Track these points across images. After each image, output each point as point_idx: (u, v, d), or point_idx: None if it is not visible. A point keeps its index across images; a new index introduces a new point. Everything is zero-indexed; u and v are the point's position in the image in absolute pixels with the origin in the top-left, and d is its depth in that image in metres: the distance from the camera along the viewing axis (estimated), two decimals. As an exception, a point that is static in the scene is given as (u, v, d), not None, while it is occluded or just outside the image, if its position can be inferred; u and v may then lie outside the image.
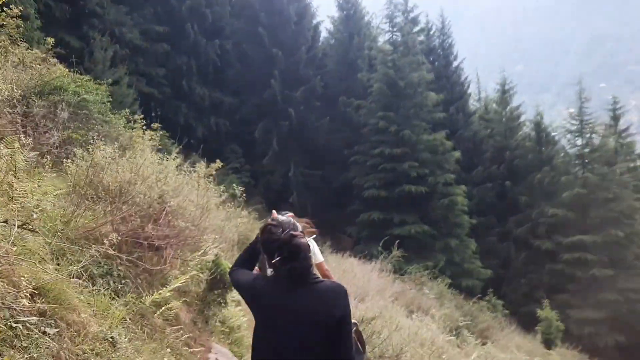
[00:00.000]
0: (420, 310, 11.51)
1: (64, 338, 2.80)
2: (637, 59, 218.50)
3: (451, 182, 22.20)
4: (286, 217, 2.63)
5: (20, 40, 7.01)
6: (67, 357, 2.73)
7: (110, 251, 3.68)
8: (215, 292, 5.35)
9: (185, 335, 4.45)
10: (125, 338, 3.36)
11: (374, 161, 22.22)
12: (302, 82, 24.13)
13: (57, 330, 2.77)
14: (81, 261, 3.43)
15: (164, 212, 4.77)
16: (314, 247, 4.44)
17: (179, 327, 4.53)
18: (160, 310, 4.26)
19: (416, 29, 27.42)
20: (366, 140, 23.00)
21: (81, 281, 3.52)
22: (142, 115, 7.18)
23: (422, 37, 28.46)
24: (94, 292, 3.59)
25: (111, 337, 3.23)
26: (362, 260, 14.40)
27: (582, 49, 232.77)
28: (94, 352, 2.96)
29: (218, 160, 6.36)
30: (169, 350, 3.97)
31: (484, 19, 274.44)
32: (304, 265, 2.39)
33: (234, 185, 9.58)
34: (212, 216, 5.88)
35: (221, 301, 5.39)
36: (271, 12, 24.57)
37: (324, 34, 27.70)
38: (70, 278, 3.28)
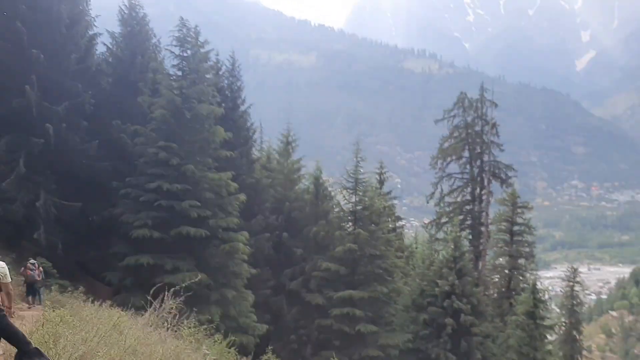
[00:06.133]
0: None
1: None
2: (382, 141, 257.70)
3: (234, 226, 20.35)
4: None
5: None
6: None
7: None
8: None
9: None
10: None
11: (149, 197, 19.07)
12: (67, 95, 20.01)
13: None
14: None
15: None
16: (5, 269, 6.96)
17: None
18: None
19: (206, 65, 25.76)
20: (142, 172, 19.82)
21: None
22: None
23: (210, 75, 26.95)
24: None
25: None
26: (128, 313, 11.36)
27: (342, 127, 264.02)
28: None
29: None
30: None
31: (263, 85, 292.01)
32: None
33: None
34: None
35: None
36: (35, 7, 20.19)
37: (102, 49, 24.10)
38: None
